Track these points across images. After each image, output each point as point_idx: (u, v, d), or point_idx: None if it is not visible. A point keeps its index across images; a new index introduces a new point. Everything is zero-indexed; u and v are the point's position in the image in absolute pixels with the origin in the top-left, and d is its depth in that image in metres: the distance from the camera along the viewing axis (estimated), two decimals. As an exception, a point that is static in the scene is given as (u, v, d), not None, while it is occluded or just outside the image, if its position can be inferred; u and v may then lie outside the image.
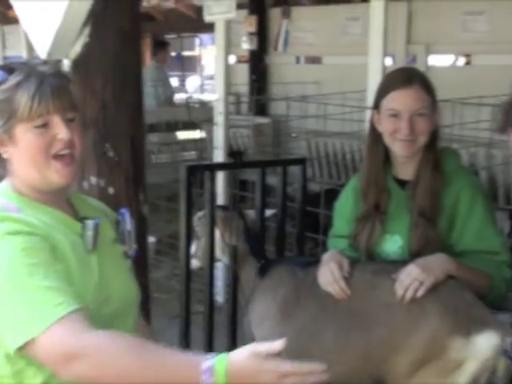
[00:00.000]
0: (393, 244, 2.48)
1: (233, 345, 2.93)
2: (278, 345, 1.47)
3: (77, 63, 2.06)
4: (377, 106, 2.44)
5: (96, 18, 1.99)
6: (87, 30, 2.00)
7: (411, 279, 2.18)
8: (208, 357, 1.43)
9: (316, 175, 8.40)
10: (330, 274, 2.35)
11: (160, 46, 9.72)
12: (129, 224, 1.81)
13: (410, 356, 2.15)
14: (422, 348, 2.14)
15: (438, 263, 2.24)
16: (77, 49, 2.02)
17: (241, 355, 1.43)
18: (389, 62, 8.14)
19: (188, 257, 2.77)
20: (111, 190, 2.18)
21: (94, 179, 2.15)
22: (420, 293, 2.17)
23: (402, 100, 2.36)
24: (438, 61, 8.74)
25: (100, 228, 1.68)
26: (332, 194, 2.71)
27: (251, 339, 2.67)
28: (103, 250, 1.69)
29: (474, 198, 2.42)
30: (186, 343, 2.79)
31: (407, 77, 2.40)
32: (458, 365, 2.12)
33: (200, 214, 2.94)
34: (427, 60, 8.19)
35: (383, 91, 2.43)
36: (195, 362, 1.42)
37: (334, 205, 2.74)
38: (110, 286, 1.66)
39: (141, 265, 2.41)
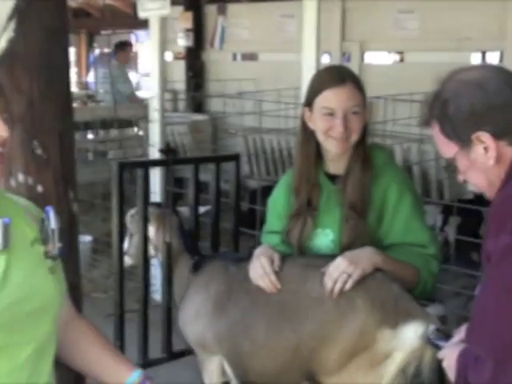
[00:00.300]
0: (324, 238, 2.51)
1: (168, 343, 2.93)
2: None
3: (2, 60, 2.03)
4: (309, 103, 2.46)
5: (20, 14, 1.96)
6: (12, 25, 1.97)
7: (339, 272, 2.22)
8: None
9: (254, 172, 8.44)
10: (260, 269, 2.38)
11: (121, 46, 9.58)
12: (53, 222, 1.75)
13: (340, 349, 2.19)
14: (350, 340, 2.18)
15: (365, 256, 2.28)
16: (2, 44, 1.99)
17: None
18: (326, 59, 8.25)
19: (121, 254, 2.76)
20: (40, 189, 2.14)
21: (21, 177, 2.11)
22: (348, 285, 2.21)
23: (335, 98, 2.38)
24: (373, 58, 8.89)
25: (14, 228, 1.66)
26: (270, 191, 2.74)
27: (185, 337, 2.69)
28: (17, 250, 1.65)
29: (401, 192, 2.46)
30: (120, 342, 2.76)
31: (340, 75, 2.43)
32: (386, 356, 2.17)
33: (132, 211, 2.92)
34: (362, 57, 8.33)
35: (316, 90, 2.45)
36: None
37: (267, 201, 2.77)
38: (21, 287, 1.64)
39: (72, 264, 2.38)
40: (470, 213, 5.89)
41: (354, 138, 2.41)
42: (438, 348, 2.04)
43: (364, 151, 2.50)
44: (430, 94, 1.76)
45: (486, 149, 1.64)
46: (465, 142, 1.66)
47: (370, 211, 2.46)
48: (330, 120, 2.38)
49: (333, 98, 2.38)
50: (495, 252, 1.56)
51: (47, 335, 1.69)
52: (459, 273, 4.78)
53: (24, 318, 1.63)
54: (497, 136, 1.64)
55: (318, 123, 2.42)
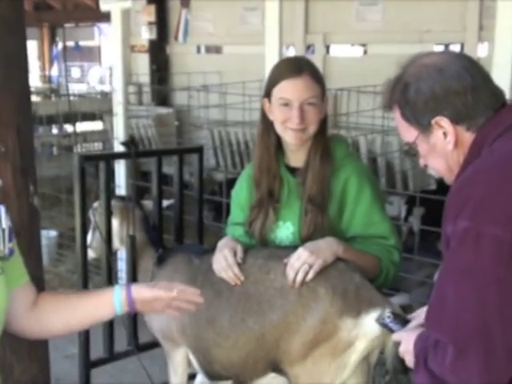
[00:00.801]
0: (285, 230, 2.52)
1: (134, 335, 2.92)
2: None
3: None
4: (267, 94, 2.47)
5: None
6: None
7: (301, 262, 2.24)
8: None
9: (220, 164, 8.44)
10: (223, 260, 2.38)
11: None
12: (3, 222, 1.73)
13: (303, 338, 2.20)
14: (313, 330, 2.19)
15: (326, 246, 2.30)
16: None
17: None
18: (291, 52, 8.27)
19: (84, 248, 2.74)
20: (-1, 182, 2.12)
21: (-21, 171, 2.10)
22: (310, 276, 2.22)
23: (292, 89, 2.39)
24: (337, 51, 8.93)
25: None
26: (235, 183, 2.76)
27: (150, 329, 2.68)
28: None
29: (361, 184, 2.47)
30: (85, 335, 2.75)
31: (297, 66, 2.43)
32: (349, 345, 2.19)
33: (95, 204, 2.91)
34: (327, 50, 8.36)
35: (274, 80, 2.45)
36: None
37: (231, 193, 2.77)
38: None
39: (34, 257, 2.36)
40: (433, 203, 5.95)
41: (312, 129, 2.42)
42: (392, 332, 2.05)
43: (324, 143, 2.50)
44: (391, 78, 1.77)
45: (444, 134, 1.66)
46: (424, 127, 1.68)
47: (330, 204, 2.47)
48: (286, 111, 2.39)
49: (289, 89, 2.38)
50: (453, 236, 1.58)
51: None
52: (424, 262, 4.83)
53: None
54: (455, 121, 1.66)
55: (275, 114, 2.42)
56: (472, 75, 1.67)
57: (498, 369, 1.52)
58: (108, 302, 1.91)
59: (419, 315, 1.97)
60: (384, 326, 2.06)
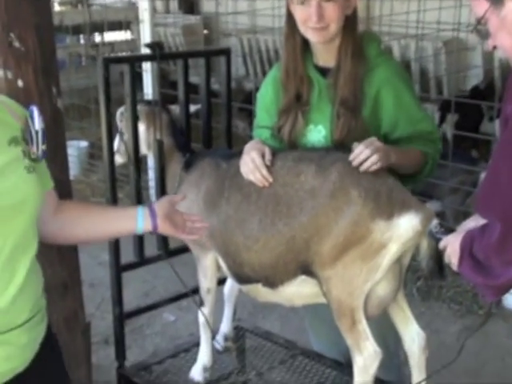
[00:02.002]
0: (317, 134, 2.48)
1: (163, 241, 2.92)
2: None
3: None
4: None
5: None
6: None
7: (367, 153, 2.18)
8: None
9: (249, 73, 8.31)
10: (251, 163, 2.34)
11: None
12: (37, 123, 1.72)
13: (334, 240, 2.17)
14: (344, 232, 2.16)
15: (385, 151, 2.24)
16: None
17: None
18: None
19: (111, 154, 2.69)
20: (20, 83, 2.07)
21: (0, 72, 2.04)
22: (375, 167, 2.17)
23: None
24: None
25: None
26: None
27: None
28: None
29: (399, 84, 2.43)
30: (115, 243, 2.75)
31: None
32: (380, 247, 2.16)
33: (122, 109, 2.85)
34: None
35: None
36: None
37: (257, 95, 2.71)
38: None
39: (59, 160, 2.34)
40: (467, 109, 5.84)
41: (334, 27, 2.35)
42: (438, 241, 2.04)
43: (354, 41, 2.43)
44: None
45: None
46: None
47: (363, 106, 2.42)
48: (305, 9, 2.33)
49: None
50: None
51: (21, 234, 1.68)
52: (457, 169, 4.75)
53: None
54: None
55: (296, 13, 2.38)
56: None
57: None
58: (131, 216, 1.95)
59: (464, 225, 1.95)
60: (432, 236, 2.05)
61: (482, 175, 4.87)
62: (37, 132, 1.72)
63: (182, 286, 2.67)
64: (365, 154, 2.18)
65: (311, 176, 2.25)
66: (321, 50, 2.46)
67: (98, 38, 9.03)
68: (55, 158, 2.17)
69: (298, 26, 2.39)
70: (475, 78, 6.88)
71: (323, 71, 2.48)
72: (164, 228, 1.99)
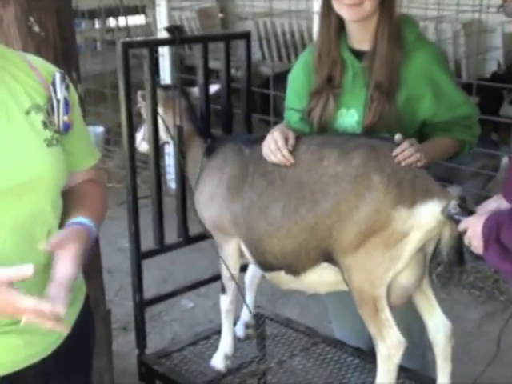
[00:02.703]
0: (349, 119, 2.44)
1: (183, 227, 2.89)
2: (27, 270, 1.38)
3: None
4: None
5: None
6: None
7: (411, 152, 2.13)
8: None
9: (266, 57, 8.24)
10: (273, 144, 2.30)
11: None
12: (59, 91, 1.60)
13: (355, 227, 2.12)
14: (366, 219, 2.11)
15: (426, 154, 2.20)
16: None
17: None
18: None
19: (132, 139, 2.65)
20: (40, 69, 2.04)
21: (20, 57, 2.01)
22: (420, 164, 2.13)
23: None
24: None
25: (6, 93, 1.53)
26: (283, 77, 2.64)
27: (201, 220, 2.64)
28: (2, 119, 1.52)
29: (439, 68, 2.39)
30: (134, 226, 2.73)
31: None
32: (403, 236, 2.10)
33: (141, 92, 2.81)
34: None
35: None
36: None
37: (288, 76, 2.67)
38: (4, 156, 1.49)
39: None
40: (488, 92, 5.75)
41: (369, 4, 2.30)
42: (458, 223, 1.99)
43: (391, 23, 2.37)
44: None
45: None
46: None
47: (398, 91, 2.37)
48: None
49: None
50: None
51: (34, 212, 1.59)
52: (478, 153, 4.68)
53: (7, 191, 1.52)
54: None
55: None
56: None
57: None
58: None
59: (485, 206, 1.90)
60: (450, 217, 2.00)
61: (504, 159, 4.80)
62: (58, 101, 1.60)
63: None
64: (409, 152, 2.13)
65: (334, 161, 2.20)
66: (356, 30, 2.41)
67: (112, 22, 8.99)
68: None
69: (333, 3, 2.33)
70: (495, 60, 6.78)
71: (358, 54, 2.44)
72: None
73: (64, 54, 2.09)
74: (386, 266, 2.14)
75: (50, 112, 1.61)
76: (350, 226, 2.13)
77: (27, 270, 1.37)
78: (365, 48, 2.41)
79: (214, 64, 2.97)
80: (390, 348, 2.21)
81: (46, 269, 1.57)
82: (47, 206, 1.63)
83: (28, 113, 1.56)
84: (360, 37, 2.41)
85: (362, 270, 2.16)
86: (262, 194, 2.33)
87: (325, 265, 2.27)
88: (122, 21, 8.62)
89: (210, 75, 2.84)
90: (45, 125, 1.58)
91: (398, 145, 2.17)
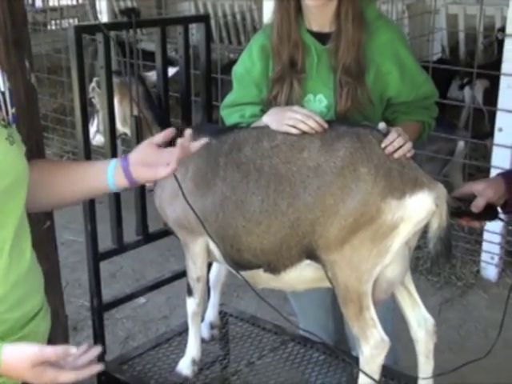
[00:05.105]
0: (317, 104, 2.36)
1: (143, 224, 2.71)
2: (71, 350, 1.43)
3: None
4: None
5: None
6: None
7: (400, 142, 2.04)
8: None
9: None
10: (297, 114, 2.14)
11: None
12: (1, 83, 1.49)
13: (341, 222, 2.00)
14: (353, 213, 1.98)
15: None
16: None
17: (19, 362, 1.41)
18: None
19: (86, 132, 2.44)
20: (-11, 57, 1.82)
21: (-35, 44, 1.79)
22: (409, 154, 2.05)
23: None
24: None
25: None
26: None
27: (164, 218, 2.46)
28: None
29: (402, 47, 2.37)
30: (92, 225, 2.53)
31: None
32: (391, 229, 2.00)
33: (93, 84, 2.60)
34: None
35: None
36: None
37: (234, 70, 2.49)
38: None
39: (35, 143, 2.10)
40: (436, 75, 5.72)
41: None
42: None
43: (354, 4, 2.30)
44: None
45: None
46: None
47: (367, 71, 2.31)
48: None
49: None
50: None
51: (23, 209, 1.55)
52: (434, 137, 4.63)
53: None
54: None
55: None
56: None
57: None
58: (102, 170, 1.70)
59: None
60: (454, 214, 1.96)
61: (460, 143, 4.75)
62: (3, 93, 1.50)
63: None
64: (398, 142, 2.03)
65: (315, 152, 2.06)
66: (316, 13, 2.33)
67: (38, 2, 8.64)
68: (30, 136, 1.93)
69: None
70: (439, 42, 6.76)
71: (318, 37, 2.35)
72: (139, 175, 1.69)
73: (15, 41, 1.88)
74: (374, 260, 2.03)
75: None
76: (336, 221, 2.00)
77: (72, 349, 1.43)
78: (325, 30, 2.34)
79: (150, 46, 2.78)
80: (373, 348, 2.11)
81: (30, 270, 1.60)
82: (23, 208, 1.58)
83: None
84: (320, 19, 2.34)
85: (348, 266, 2.04)
86: (237, 188, 2.17)
87: (307, 262, 2.14)
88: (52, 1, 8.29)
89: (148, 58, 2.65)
90: (2, 122, 1.49)
91: (383, 134, 2.05)
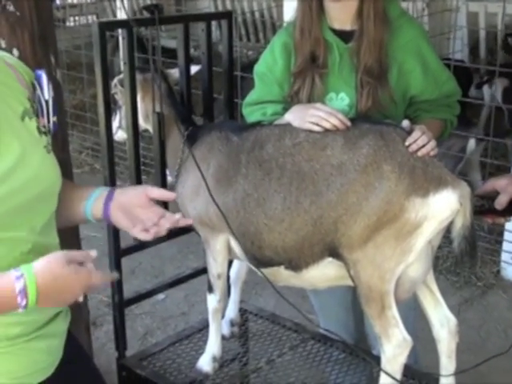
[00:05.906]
0: (340, 102, 2.36)
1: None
2: (92, 253, 1.48)
3: None
4: None
5: None
6: None
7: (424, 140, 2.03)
8: (18, 274, 1.37)
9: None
10: (320, 112, 2.13)
11: None
12: (46, 91, 1.49)
13: (365, 220, 1.99)
14: (377, 211, 1.98)
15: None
16: None
17: (52, 264, 1.39)
18: None
19: (109, 128, 2.44)
20: (15, 52, 1.82)
21: (-7, 39, 1.79)
22: (433, 153, 2.04)
23: None
24: None
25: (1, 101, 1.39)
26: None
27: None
28: (6, 130, 1.37)
29: (425, 45, 2.36)
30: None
31: None
32: (415, 227, 1.99)
33: (115, 80, 2.61)
34: None
35: None
36: (8, 284, 1.36)
37: (256, 69, 2.50)
38: (22, 172, 1.39)
39: (60, 138, 2.10)
40: (457, 74, 5.67)
41: None
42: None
43: (376, 2, 2.29)
44: None
45: None
46: None
47: (390, 70, 2.32)
48: None
49: None
50: None
51: (53, 212, 1.57)
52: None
53: (27, 205, 1.43)
54: None
55: None
56: None
57: None
58: (84, 198, 1.68)
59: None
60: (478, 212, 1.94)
61: (471, 141, 4.71)
62: (47, 101, 1.49)
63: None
64: (423, 141, 2.02)
65: (339, 150, 2.06)
66: (337, 11, 2.32)
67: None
68: (55, 135, 1.93)
69: None
70: (459, 40, 6.71)
71: (340, 35, 2.35)
72: (116, 219, 1.68)
73: (41, 37, 1.88)
74: (397, 259, 2.02)
75: (38, 114, 1.50)
76: (359, 219, 2.00)
77: (93, 252, 1.49)
78: (347, 28, 2.33)
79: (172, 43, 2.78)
80: (395, 347, 2.10)
81: None
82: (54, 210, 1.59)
83: (22, 119, 1.44)
84: (342, 17, 2.33)
85: (371, 265, 2.03)
86: (259, 186, 2.17)
87: (329, 259, 2.13)
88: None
89: (170, 55, 2.64)
90: (39, 130, 1.48)
91: (407, 132, 2.05)
